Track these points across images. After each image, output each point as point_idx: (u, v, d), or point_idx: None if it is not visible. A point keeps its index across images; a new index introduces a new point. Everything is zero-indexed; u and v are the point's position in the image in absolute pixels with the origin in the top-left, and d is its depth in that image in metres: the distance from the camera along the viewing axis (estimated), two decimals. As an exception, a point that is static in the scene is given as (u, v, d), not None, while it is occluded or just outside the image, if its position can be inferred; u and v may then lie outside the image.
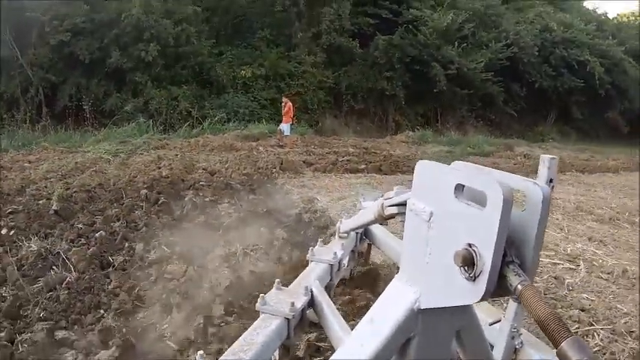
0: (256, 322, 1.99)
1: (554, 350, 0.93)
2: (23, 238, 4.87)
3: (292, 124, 15.18)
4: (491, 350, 1.85)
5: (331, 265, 2.75)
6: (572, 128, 26.77)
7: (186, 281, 3.69)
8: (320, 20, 20.96)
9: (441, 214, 1.09)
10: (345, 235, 3.09)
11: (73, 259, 4.10)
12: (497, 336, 2.02)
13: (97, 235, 4.75)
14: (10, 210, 6.08)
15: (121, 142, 12.32)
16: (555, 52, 25.12)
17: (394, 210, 1.61)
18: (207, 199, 6.48)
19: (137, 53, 17.50)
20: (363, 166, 10.33)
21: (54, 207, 6.21)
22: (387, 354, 1.19)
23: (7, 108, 17.19)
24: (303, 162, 10.32)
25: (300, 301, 2.17)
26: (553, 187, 1.39)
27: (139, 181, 7.62)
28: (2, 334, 3.00)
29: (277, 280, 2.29)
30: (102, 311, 3.39)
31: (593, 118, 26.94)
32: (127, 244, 4.65)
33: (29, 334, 2.99)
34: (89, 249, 4.36)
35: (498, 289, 0.99)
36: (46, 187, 7.53)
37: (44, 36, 17.48)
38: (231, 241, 4.51)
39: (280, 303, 2.10)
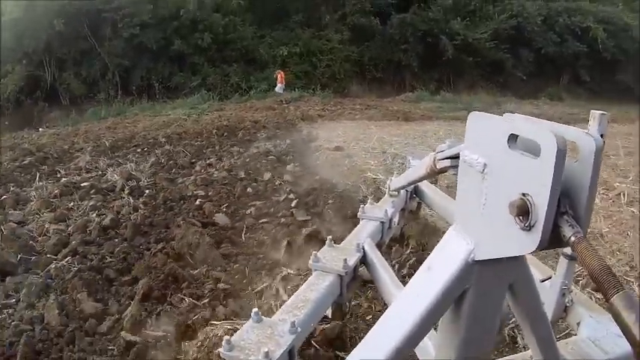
0: (310, 278, 2.07)
1: (604, 309, 1.04)
2: (154, 148, 9.42)
3: (284, 86, 21.09)
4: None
5: (382, 223, 2.77)
6: (584, 90, 28.20)
7: (238, 152, 8.41)
8: (344, 3, 24.83)
9: (495, 164, 1.09)
10: (396, 193, 3.12)
11: (188, 151, 8.70)
12: (547, 293, 2.03)
13: (195, 144, 9.34)
14: (133, 144, 10.55)
15: (191, 108, 16.89)
16: (559, 21, 27.18)
17: (447, 163, 1.58)
18: (252, 132, 10.96)
19: (194, 41, 21.69)
20: (358, 116, 14.35)
21: (162, 139, 10.68)
22: (444, 305, 1.21)
23: (89, 89, 21.32)
24: (318, 115, 14.45)
25: (353, 258, 2.21)
26: (604, 141, 1.25)
27: (209, 127, 12.02)
28: (152, 159, 7.75)
29: (329, 237, 2.36)
30: (202, 162, 8.02)
31: (603, 81, 28.31)
32: (210, 147, 9.22)
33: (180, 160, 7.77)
34: (193, 149, 8.94)
35: (552, 240, 0.99)
36: (149, 134, 11.90)
37: (117, 30, 21.43)
38: (260, 142, 9.27)
39: (333, 260, 2.15)
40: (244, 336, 1.62)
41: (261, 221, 5.15)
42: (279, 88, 20.82)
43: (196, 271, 3.88)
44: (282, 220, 5.09)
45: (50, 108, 19.74)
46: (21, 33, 19.74)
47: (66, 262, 4.21)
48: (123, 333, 3.01)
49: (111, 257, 4.30)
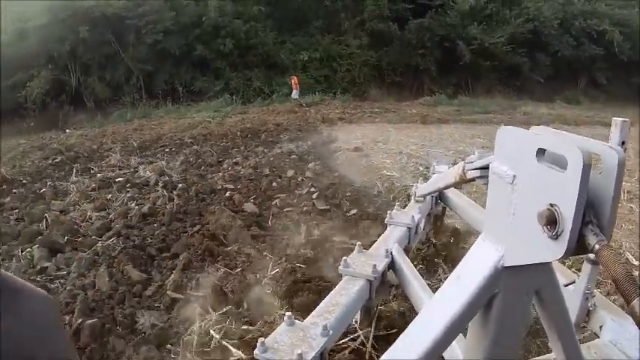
0: (340, 283, 2.12)
1: (626, 313, 1.04)
2: (182, 148, 9.90)
3: (298, 91, 20.75)
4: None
5: (409, 229, 2.80)
6: (601, 92, 27.95)
7: (263, 152, 8.82)
8: (363, 10, 25.14)
9: (524, 176, 1.13)
10: (422, 199, 3.16)
11: (214, 151, 9.17)
12: (571, 297, 2.04)
13: (220, 144, 9.81)
14: (160, 145, 11.02)
15: (215, 111, 17.41)
16: (575, 24, 27.05)
17: (476, 173, 1.61)
18: (274, 134, 11.43)
19: (216, 46, 22.11)
20: (377, 119, 14.68)
21: (189, 140, 11.16)
22: (473, 310, 1.25)
23: (113, 93, 21.72)
24: (338, 118, 14.81)
25: (382, 264, 2.26)
26: (625, 149, 1.37)
27: (234, 130, 12.49)
28: (181, 157, 8.12)
29: (358, 243, 2.43)
30: (229, 160, 8.44)
31: (619, 83, 27.90)
32: (235, 148, 9.67)
33: (208, 159, 8.20)
34: (219, 149, 9.41)
35: (577, 248, 1.03)
36: (175, 135, 12.37)
37: (141, 37, 21.84)
38: (283, 143, 9.68)
39: (362, 265, 2.20)
40: (278, 338, 1.69)
41: (285, 210, 5.64)
42: (294, 94, 21.07)
43: (229, 248, 4.35)
44: (305, 208, 5.58)
45: (75, 111, 20.13)
46: (46, 38, 20.31)
47: (111, 242, 4.70)
48: (168, 292, 3.46)
49: (151, 239, 4.79)
